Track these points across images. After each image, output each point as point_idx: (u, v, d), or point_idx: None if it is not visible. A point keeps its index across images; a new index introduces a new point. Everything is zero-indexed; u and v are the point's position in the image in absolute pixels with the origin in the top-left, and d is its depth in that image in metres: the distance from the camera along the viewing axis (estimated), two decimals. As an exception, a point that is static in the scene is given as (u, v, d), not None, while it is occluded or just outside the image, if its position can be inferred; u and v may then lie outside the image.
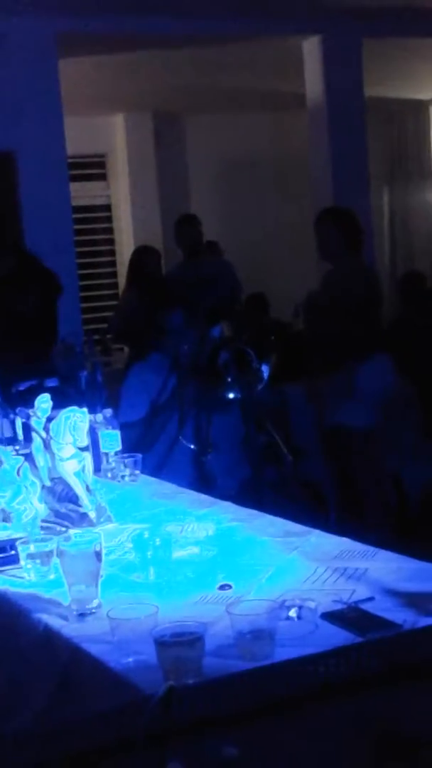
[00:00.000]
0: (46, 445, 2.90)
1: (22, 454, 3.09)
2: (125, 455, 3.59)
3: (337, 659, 1.23)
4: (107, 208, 9.17)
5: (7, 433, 3.48)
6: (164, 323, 4.02)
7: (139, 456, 3.58)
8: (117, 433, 3.70)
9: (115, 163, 9.06)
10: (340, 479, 5.43)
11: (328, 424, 5.30)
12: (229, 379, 3.66)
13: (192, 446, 3.83)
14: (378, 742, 0.99)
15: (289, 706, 1.11)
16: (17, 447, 3.30)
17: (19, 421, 3.39)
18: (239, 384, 3.63)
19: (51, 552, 2.34)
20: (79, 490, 2.82)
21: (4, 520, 2.86)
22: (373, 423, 5.23)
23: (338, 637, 1.90)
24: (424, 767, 0.94)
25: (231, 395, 3.67)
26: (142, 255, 7.30)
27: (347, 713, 1.10)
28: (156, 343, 4.12)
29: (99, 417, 3.69)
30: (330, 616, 2.01)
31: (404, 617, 1.99)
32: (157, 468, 3.85)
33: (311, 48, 6.59)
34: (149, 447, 3.92)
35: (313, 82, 6.65)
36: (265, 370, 3.67)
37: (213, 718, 1.05)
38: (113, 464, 3.57)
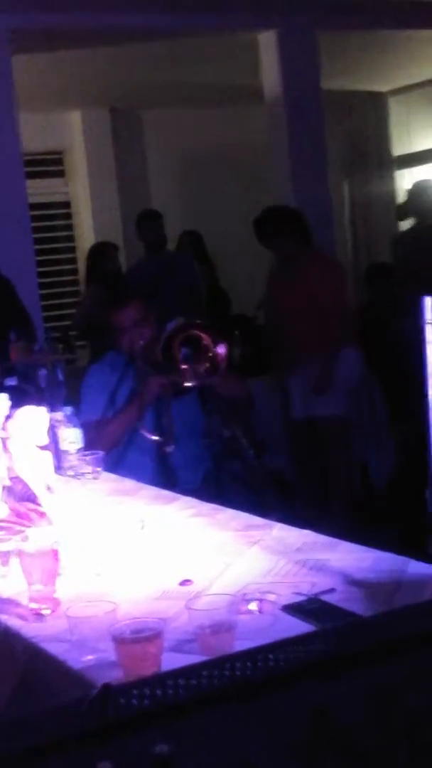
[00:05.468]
0: (5, 444, 2.88)
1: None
2: (86, 453, 3.57)
3: (273, 651, 1.22)
4: (66, 204, 9.13)
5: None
6: (119, 319, 3.99)
7: (101, 453, 3.56)
8: (78, 430, 3.68)
9: (73, 159, 9.02)
10: (308, 470, 5.45)
11: (299, 416, 5.32)
12: (185, 367, 3.64)
13: (154, 437, 3.80)
14: (311, 731, 0.98)
15: (224, 699, 1.10)
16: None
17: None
18: (195, 372, 3.60)
19: (9, 552, 2.32)
20: (39, 489, 2.79)
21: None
22: (347, 411, 5.27)
23: (298, 629, 1.89)
24: (356, 755, 0.94)
25: (188, 384, 3.65)
26: (100, 251, 7.28)
27: (283, 704, 1.09)
28: (112, 340, 4.09)
29: (59, 415, 3.67)
30: (290, 609, 2.00)
31: (365, 608, 1.99)
32: (116, 464, 3.83)
33: (267, 42, 6.58)
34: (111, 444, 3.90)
35: (270, 76, 6.64)
36: (222, 355, 3.63)
37: (147, 714, 1.04)
38: (74, 462, 3.55)
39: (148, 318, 3.99)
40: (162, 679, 1.12)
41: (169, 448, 3.80)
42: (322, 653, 1.17)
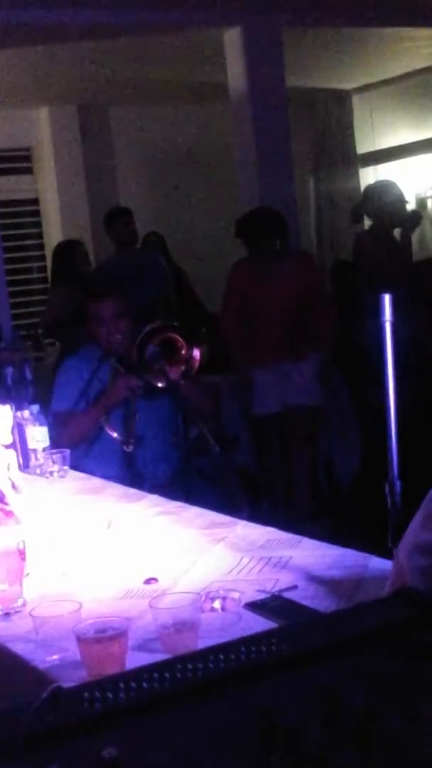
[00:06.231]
0: (-30, 444, 2.89)
1: None
2: (53, 451, 3.59)
3: (222, 652, 1.25)
4: (35, 201, 9.11)
5: None
6: (97, 311, 4.01)
7: (67, 452, 3.58)
8: (45, 429, 3.69)
9: (41, 156, 9.00)
10: (273, 466, 5.48)
11: (265, 411, 5.36)
12: (157, 367, 3.67)
13: (115, 435, 3.83)
14: (259, 731, 1.01)
15: (173, 700, 1.12)
16: None
17: None
18: (166, 373, 3.64)
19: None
20: (4, 487, 2.80)
21: None
22: (318, 401, 5.33)
23: (261, 626, 1.92)
24: (303, 755, 0.96)
25: (158, 384, 3.68)
26: (66, 249, 7.27)
27: (231, 705, 1.11)
28: (88, 333, 4.10)
29: (26, 413, 3.68)
30: (253, 606, 2.03)
31: (326, 605, 2.03)
32: (85, 455, 3.85)
33: (232, 39, 6.60)
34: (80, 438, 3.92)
35: (235, 73, 6.65)
36: (196, 358, 3.67)
37: (97, 717, 1.06)
38: (41, 460, 3.57)
39: (126, 312, 4.01)
40: (113, 681, 1.14)
41: (129, 448, 3.82)
42: (269, 653, 1.20)
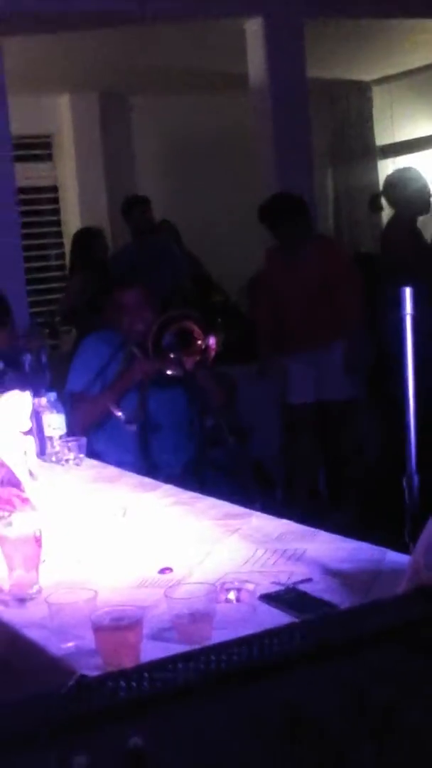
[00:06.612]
0: (-12, 429, 2.89)
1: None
2: (69, 439, 3.60)
3: (248, 644, 1.25)
4: (54, 189, 9.11)
5: None
6: (122, 300, 4.02)
7: (83, 439, 3.59)
8: (62, 416, 3.70)
9: (61, 143, 8.99)
10: (302, 455, 5.50)
11: (302, 400, 5.37)
12: (172, 356, 3.68)
13: (119, 414, 3.82)
14: (285, 724, 1.01)
15: (199, 692, 1.13)
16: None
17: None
18: (183, 363, 3.64)
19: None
20: (22, 474, 2.81)
21: None
22: (357, 394, 5.33)
23: (276, 618, 1.93)
24: (328, 749, 0.97)
25: (173, 373, 3.69)
26: (85, 236, 7.27)
27: (256, 697, 1.12)
28: (105, 321, 4.11)
29: (43, 400, 3.69)
30: (268, 598, 2.03)
31: (342, 598, 2.03)
32: (97, 442, 3.86)
33: (253, 29, 6.59)
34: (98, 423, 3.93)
35: (256, 63, 6.64)
36: (212, 347, 3.68)
37: (122, 707, 1.06)
38: (57, 448, 3.58)
39: (148, 302, 4.02)
40: (138, 670, 1.14)
41: (132, 428, 3.81)
42: (296, 646, 1.20)
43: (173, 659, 1.15)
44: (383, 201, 6.31)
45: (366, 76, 9.24)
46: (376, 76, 9.24)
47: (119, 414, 3.82)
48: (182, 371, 3.67)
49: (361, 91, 9.41)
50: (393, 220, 6.29)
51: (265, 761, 0.99)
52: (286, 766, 0.96)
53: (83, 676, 1.19)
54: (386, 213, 6.53)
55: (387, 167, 9.27)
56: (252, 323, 5.77)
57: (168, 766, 0.99)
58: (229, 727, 1.02)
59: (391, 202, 6.18)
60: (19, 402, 2.89)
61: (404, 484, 2.09)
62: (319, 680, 1.11)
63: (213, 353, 3.70)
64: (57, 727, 1.01)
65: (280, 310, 5.40)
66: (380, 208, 6.53)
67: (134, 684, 1.07)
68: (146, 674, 1.09)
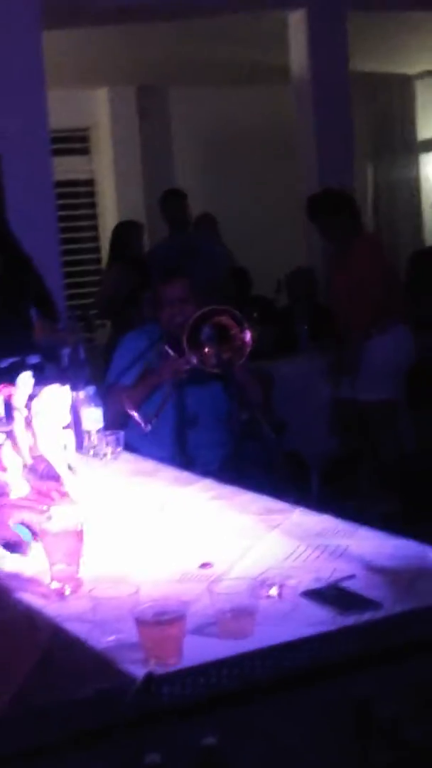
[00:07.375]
0: (28, 422, 2.89)
1: (4, 432, 3.07)
2: (107, 433, 3.59)
3: (320, 643, 1.23)
4: (90, 182, 9.12)
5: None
6: (163, 293, 4.02)
7: (121, 433, 3.59)
8: (100, 410, 3.70)
9: (98, 137, 9.01)
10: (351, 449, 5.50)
11: (347, 395, 5.36)
12: (208, 351, 3.67)
13: (135, 414, 3.81)
14: (356, 723, 0.99)
15: (270, 690, 1.11)
16: (-2, 425, 3.29)
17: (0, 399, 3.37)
18: (219, 358, 3.63)
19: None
20: (61, 468, 2.80)
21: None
22: (395, 394, 5.31)
23: (318, 615, 1.90)
24: (402, 746, 0.95)
25: (209, 368, 3.68)
26: (124, 230, 7.27)
27: (327, 696, 1.10)
28: (142, 314, 4.11)
29: (81, 394, 3.69)
30: (310, 594, 2.01)
31: (384, 595, 2.00)
32: (137, 437, 3.86)
33: (296, 21, 6.56)
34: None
35: (298, 56, 6.61)
36: (248, 342, 3.66)
37: (192, 705, 1.05)
38: (95, 442, 3.57)
39: (190, 297, 4.01)
40: (207, 669, 1.13)
41: (147, 428, 3.79)
42: (366, 646, 1.18)
43: (242, 657, 1.13)
44: None
45: (409, 70, 9.17)
46: (419, 69, 9.17)
47: (135, 414, 3.81)
48: (219, 366, 3.66)
49: (404, 85, 9.35)
50: None
51: (338, 759, 0.97)
52: (359, 763, 0.94)
53: (152, 672, 1.17)
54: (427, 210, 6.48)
55: (429, 163, 9.21)
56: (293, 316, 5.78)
57: (241, 765, 0.98)
58: (301, 726, 1.01)
59: None
60: (58, 396, 2.89)
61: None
62: (391, 679, 1.10)
63: (249, 348, 3.68)
64: (131, 723, 0.99)
65: (333, 305, 5.46)
66: None
67: (203, 681, 1.05)
68: (215, 672, 1.07)
